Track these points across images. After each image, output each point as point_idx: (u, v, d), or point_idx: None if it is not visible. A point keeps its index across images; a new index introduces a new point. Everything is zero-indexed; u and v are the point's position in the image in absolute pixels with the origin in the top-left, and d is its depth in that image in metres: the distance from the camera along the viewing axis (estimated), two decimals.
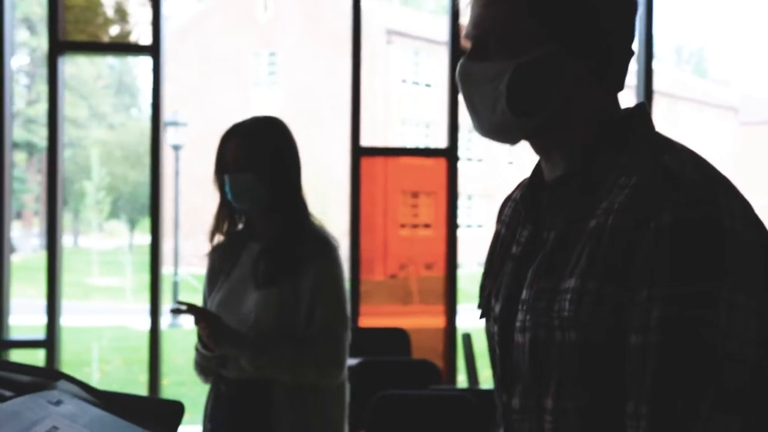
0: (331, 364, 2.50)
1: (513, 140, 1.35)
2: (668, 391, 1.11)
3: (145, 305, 5.51)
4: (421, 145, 25.54)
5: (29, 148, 31.15)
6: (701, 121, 37.93)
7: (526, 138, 1.34)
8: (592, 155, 1.27)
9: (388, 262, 5.91)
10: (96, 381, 10.83)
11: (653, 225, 1.14)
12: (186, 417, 1.72)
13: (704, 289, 1.11)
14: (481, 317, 1.41)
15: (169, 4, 31.93)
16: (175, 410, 1.66)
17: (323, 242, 2.54)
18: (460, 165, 5.62)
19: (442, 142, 5.64)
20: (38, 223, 32.22)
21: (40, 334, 5.36)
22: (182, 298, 2.74)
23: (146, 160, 5.29)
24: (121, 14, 5.99)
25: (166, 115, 18.68)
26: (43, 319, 5.32)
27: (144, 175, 25.54)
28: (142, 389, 5.52)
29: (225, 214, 2.61)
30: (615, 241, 1.17)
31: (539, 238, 1.30)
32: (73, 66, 31.57)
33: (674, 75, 40.21)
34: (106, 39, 5.98)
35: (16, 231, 31.90)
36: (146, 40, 5.40)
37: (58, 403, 1.33)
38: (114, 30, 6.08)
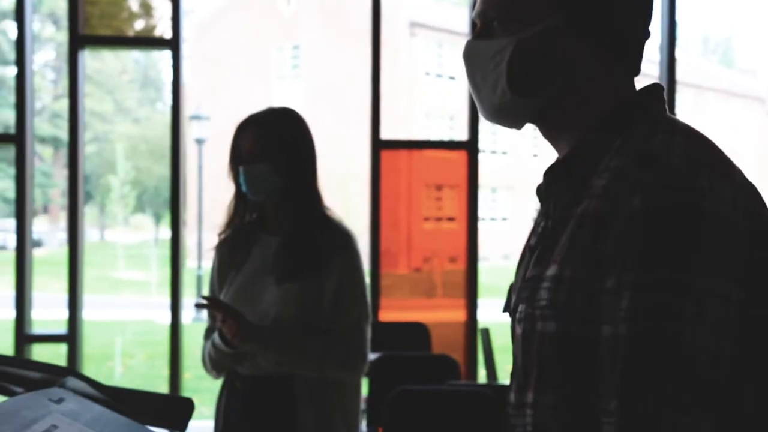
0: (357, 359, 2.49)
1: (516, 123, 1.31)
2: (635, 386, 1.04)
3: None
4: (446, 138, 25.47)
5: (55, 142, 31.35)
6: (728, 111, 37.57)
7: (532, 121, 1.29)
8: (585, 138, 1.22)
9: (412, 256, 5.89)
10: (119, 375, 10.88)
11: (624, 209, 1.08)
12: (206, 412, 1.71)
13: (673, 277, 1.03)
14: (504, 311, 1.37)
15: None
16: (185, 407, 1.64)
17: (345, 236, 2.51)
18: (484, 158, 5.59)
19: (465, 135, 5.61)
20: (65, 218, 32.43)
21: (64, 329, 5.38)
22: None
23: (182, 154, 5.29)
24: (146, 8, 5.99)
25: (190, 109, 18.76)
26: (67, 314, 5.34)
27: (182, 169, 25.39)
28: (164, 383, 5.52)
29: (239, 207, 2.58)
30: (589, 226, 1.12)
31: (545, 227, 1.26)
32: (98, 61, 31.73)
33: (700, 65, 39.86)
34: (130, 33, 5.99)
35: (43, 225, 32.15)
36: (169, 34, 5.39)
37: (60, 400, 1.31)
38: (139, 24, 6.09)
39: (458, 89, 23.87)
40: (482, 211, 5.71)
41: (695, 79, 34.13)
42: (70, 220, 5.40)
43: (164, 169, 28.92)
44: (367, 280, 2.61)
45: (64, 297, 5.35)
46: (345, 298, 2.47)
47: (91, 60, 30.32)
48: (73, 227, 5.36)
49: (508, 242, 25.64)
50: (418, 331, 4.77)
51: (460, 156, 5.63)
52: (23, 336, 5.33)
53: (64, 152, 32.00)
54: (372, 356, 4.17)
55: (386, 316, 5.45)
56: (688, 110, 32.60)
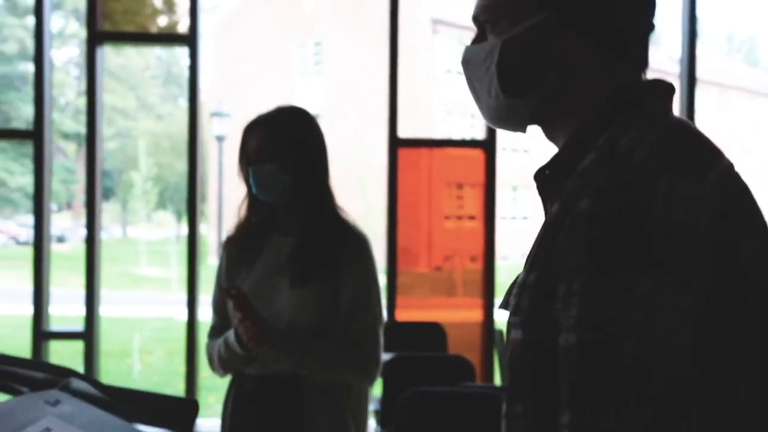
0: (371, 364, 2.46)
1: (518, 125, 1.27)
2: (583, 399, 0.98)
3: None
4: (467, 136, 25.42)
5: (79, 138, 31.53)
6: (752, 110, 37.27)
7: (532, 122, 1.25)
8: (572, 138, 1.18)
9: (432, 254, 5.87)
10: (137, 372, 10.90)
11: (574, 211, 1.03)
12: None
13: (618, 284, 0.97)
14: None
15: None
16: (190, 408, 1.62)
17: (360, 240, 2.48)
18: (504, 156, 5.56)
19: (485, 133, 5.59)
20: None
21: (83, 326, 5.39)
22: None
23: (199, 151, 5.29)
24: (169, 5, 5.99)
25: (211, 105, 18.80)
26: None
27: (198, 166, 25.51)
28: (182, 381, 5.52)
29: (251, 207, 2.56)
30: (549, 230, 1.08)
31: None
32: (121, 57, 31.88)
33: (724, 64, 39.58)
34: (154, 29, 5.99)
35: (66, 221, 32.34)
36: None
37: (56, 403, 1.29)
38: (162, 21, 6.09)
39: None
40: (502, 210, 5.68)
41: (719, 78, 33.87)
42: (88, 217, 5.41)
43: (186, 166, 28.99)
44: (383, 279, 2.59)
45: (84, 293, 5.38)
46: (360, 303, 2.45)
47: (114, 56, 30.48)
48: (91, 223, 5.37)
49: (528, 241, 25.49)
50: (434, 332, 4.75)
51: (480, 154, 5.60)
52: (40, 333, 5.34)
53: None
54: (387, 356, 4.14)
55: (404, 314, 5.42)
56: (711, 108, 32.37)
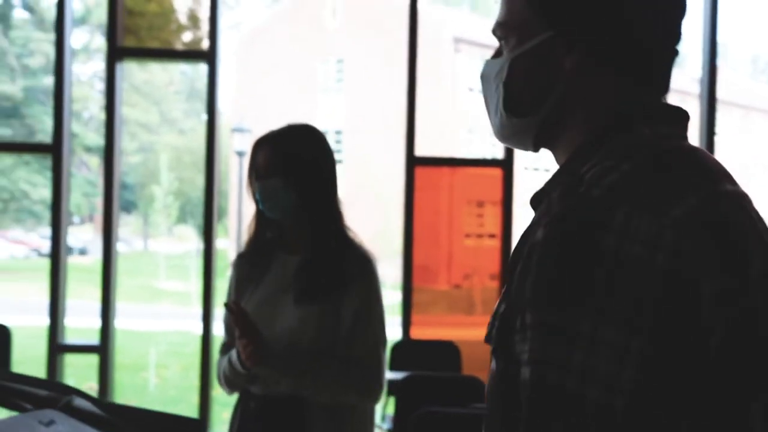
0: (373, 385, 2.45)
1: (523, 145, 1.23)
2: None
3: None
4: (489, 155, 25.38)
5: (101, 152, 31.67)
6: None
7: (537, 144, 1.21)
8: (562, 166, 1.14)
9: (452, 272, 5.86)
10: (152, 386, 10.89)
11: (531, 241, 1.00)
12: None
13: (564, 321, 0.94)
14: None
15: (238, 12, 32.30)
16: (195, 428, 1.61)
17: (364, 260, 2.47)
18: (525, 175, 5.55)
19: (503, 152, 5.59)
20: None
21: (98, 339, 5.39)
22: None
23: (216, 166, 5.31)
24: (194, 21, 6.01)
25: (233, 121, 18.86)
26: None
27: (215, 181, 25.60)
28: (196, 395, 5.52)
29: (259, 224, 2.55)
30: (514, 258, 1.05)
31: None
32: (146, 72, 32.09)
33: (748, 85, 39.35)
34: (179, 45, 6.01)
35: (88, 234, 32.51)
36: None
37: (50, 423, 1.28)
38: (186, 36, 6.11)
39: None
40: (521, 229, 5.65)
41: (743, 99, 33.67)
42: (104, 230, 5.43)
43: (204, 181, 29.07)
44: (399, 297, 2.57)
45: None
46: (362, 323, 2.43)
47: (138, 71, 30.67)
48: (108, 237, 5.39)
49: None
50: (448, 350, 4.72)
51: (500, 173, 5.60)
52: (56, 346, 5.35)
53: None
54: (399, 375, 4.12)
55: (421, 332, 5.40)
56: (734, 130, 32.19)
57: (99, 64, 34.53)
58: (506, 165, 5.52)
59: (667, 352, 0.94)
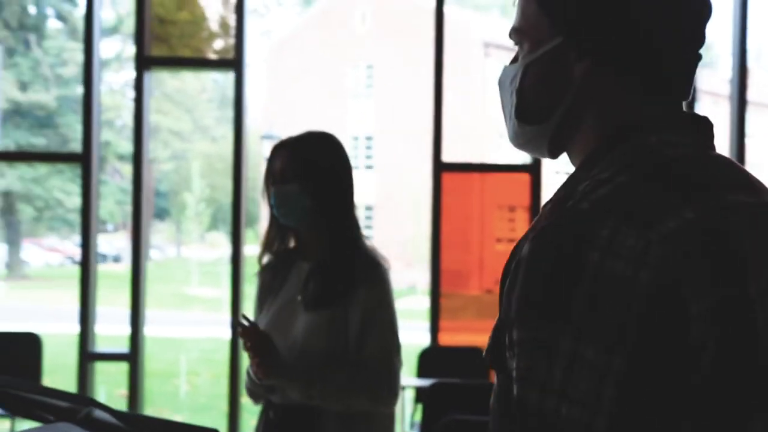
0: (385, 391, 2.42)
1: (538, 152, 1.20)
2: None
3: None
4: (518, 160, 25.29)
5: None
6: None
7: (552, 150, 1.18)
8: (571, 175, 1.11)
9: (484, 277, 5.85)
10: (183, 393, 10.92)
11: (519, 255, 0.98)
12: None
13: (546, 339, 0.91)
14: None
15: (269, 19, 32.43)
16: None
17: (374, 266, 2.45)
18: (553, 180, 5.52)
19: (530, 158, 5.57)
20: (143, 234, 32.96)
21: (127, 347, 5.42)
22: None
23: (244, 173, 5.32)
24: (225, 28, 6.03)
25: (263, 127, 18.93)
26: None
27: (243, 188, 25.72)
28: (225, 403, 5.53)
29: (275, 232, 2.54)
30: (504, 274, 1.03)
31: None
32: (178, 80, 32.30)
33: None
34: (210, 53, 6.03)
35: (121, 241, 32.76)
36: (249, 54, 5.42)
37: None
38: (218, 44, 6.13)
39: None
40: None
41: None
42: (134, 237, 5.46)
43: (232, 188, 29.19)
44: (427, 302, 2.55)
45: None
46: (371, 329, 2.41)
47: (171, 79, 30.87)
48: (137, 244, 5.42)
49: None
50: (476, 357, 4.69)
51: (527, 178, 5.58)
52: (86, 354, 5.38)
53: None
54: (426, 382, 4.10)
55: (451, 338, 5.39)
56: (761, 131, 31.89)
57: (131, 73, 34.84)
58: (534, 170, 5.49)
59: (650, 371, 0.91)
